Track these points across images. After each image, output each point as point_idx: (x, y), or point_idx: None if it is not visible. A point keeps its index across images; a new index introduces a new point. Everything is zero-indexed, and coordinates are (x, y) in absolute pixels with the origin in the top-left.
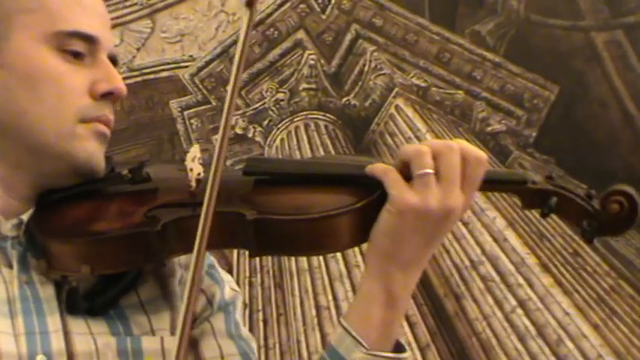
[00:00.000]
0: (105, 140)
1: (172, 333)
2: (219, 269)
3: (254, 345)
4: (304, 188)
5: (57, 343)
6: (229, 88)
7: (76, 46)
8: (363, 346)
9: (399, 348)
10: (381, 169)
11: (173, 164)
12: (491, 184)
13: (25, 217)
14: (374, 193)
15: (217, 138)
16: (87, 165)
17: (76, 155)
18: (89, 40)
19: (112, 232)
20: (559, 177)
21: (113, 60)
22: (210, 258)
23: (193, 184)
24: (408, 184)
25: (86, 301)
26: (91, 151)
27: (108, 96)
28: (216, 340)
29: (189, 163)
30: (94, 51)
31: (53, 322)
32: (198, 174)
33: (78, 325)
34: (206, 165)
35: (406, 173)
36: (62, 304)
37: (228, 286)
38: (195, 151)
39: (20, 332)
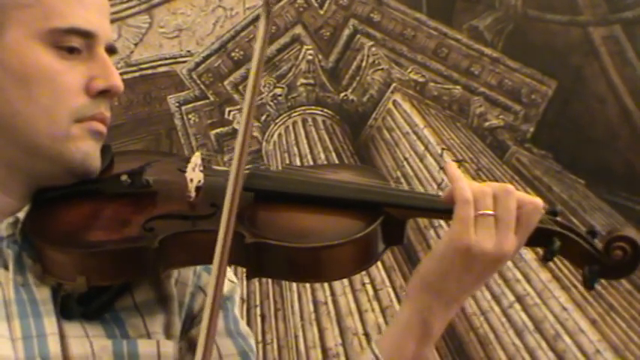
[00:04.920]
0: (101, 138)
1: (167, 337)
2: None
3: (252, 341)
4: (307, 210)
5: (54, 346)
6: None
7: (73, 43)
8: None
9: None
10: (466, 197)
11: (175, 161)
12: None
13: (21, 215)
14: (376, 219)
15: (232, 170)
16: (82, 165)
17: (71, 156)
18: (86, 35)
19: (109, 245)
20: (562, 214)
21: (111, 49)
22: None
23: (192, 194)
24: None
25: (81, 305)
26: (86, 151)
27: (104, 93)
28: (215, 340)
29: (189, 174)
30: (92, 45)
31: (50, 324)
32: (199, 181)
33: (74, 329)
34: (207, 167)
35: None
36: (58, 307)
37: (226, 279)
38: (196, 159)
39: (17, 336)
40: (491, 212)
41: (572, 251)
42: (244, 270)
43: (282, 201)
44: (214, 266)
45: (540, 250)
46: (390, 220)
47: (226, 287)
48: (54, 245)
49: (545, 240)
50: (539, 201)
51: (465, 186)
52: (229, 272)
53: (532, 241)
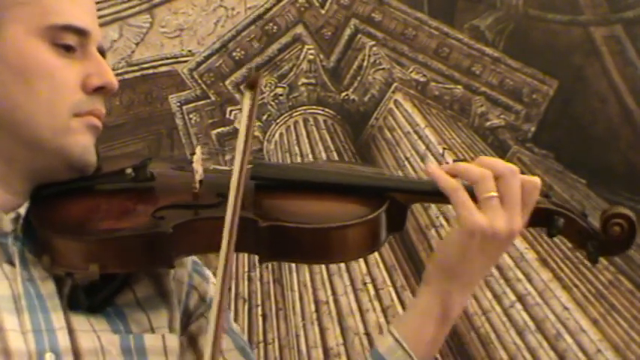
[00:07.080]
0: (97, 133)
1: (171, 331)
2: (202, 266)
3: (245, 338)
4: (314, 196)
5: (63, 340)
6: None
7: (69, 40)
8: None
9: None
10: (452, 186)
11: (170, 162)
12: None
13: (22, 210)
14: (383, 204)
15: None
16: (81, 159)
17: (71, 150)
18: (81, 33)
19: (124, 231)
20: (556, 186)
21: (101, 52)
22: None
23: (197, 185)
24: (476, 205)
25: (86, 297)
26: (85, 144)
27: (100, 90)
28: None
29: (196, 165)
30: (85, 44)
31: (58, 319)
32: (201, 174)
33: (80, 323)
34: (207, 162)
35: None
36: (63, 301)
37: (211, 283)
38: (199, 153)
39: (28, 329)
40: (494, 194)
41: (572, 229)
42: (245, 270)
43: (291, 189)
44: (223, 244)
45: (544, 230)
46: (394, 206)
47: (214, 290)
48: (66, 233)
49: (546, 220)
50: (538, 180)
51: (443, 175)
52: (212, 276)
53: (535, 222)
